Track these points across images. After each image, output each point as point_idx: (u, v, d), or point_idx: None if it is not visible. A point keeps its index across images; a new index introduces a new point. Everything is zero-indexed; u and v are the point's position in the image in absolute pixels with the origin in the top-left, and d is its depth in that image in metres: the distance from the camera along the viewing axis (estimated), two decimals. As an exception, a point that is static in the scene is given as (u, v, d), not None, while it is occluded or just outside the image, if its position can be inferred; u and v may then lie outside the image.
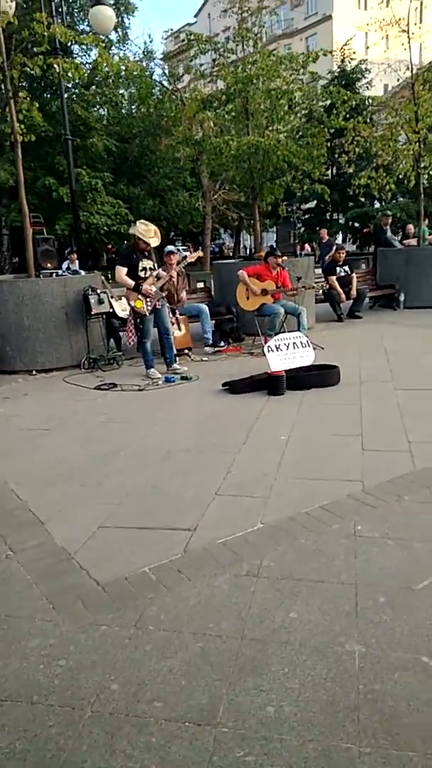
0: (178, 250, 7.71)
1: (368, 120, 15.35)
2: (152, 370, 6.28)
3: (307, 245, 26.70)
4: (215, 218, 17.22)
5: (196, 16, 43.08)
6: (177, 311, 7.38)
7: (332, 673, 1.92)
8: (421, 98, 9.59)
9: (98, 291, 6.87)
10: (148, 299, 6.10)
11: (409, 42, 9.70)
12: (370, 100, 18.06)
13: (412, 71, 9.90)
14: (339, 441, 4.07)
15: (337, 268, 9.65)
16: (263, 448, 4.01)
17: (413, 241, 11.42)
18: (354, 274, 9.73)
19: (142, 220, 6.27)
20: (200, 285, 11.67)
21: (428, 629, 2.10)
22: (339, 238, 23.72)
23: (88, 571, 2.59)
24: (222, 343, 7.74)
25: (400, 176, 10.15)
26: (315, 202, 20.31)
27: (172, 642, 2.12)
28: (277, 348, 5.95)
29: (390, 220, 12.24)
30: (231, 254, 28.02)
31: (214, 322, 8.25)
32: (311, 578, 2.44)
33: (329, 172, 19.54)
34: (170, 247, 7.19)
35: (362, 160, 14.12)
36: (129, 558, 2.68)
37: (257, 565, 2.55)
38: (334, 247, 9.98)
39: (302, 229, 24.42)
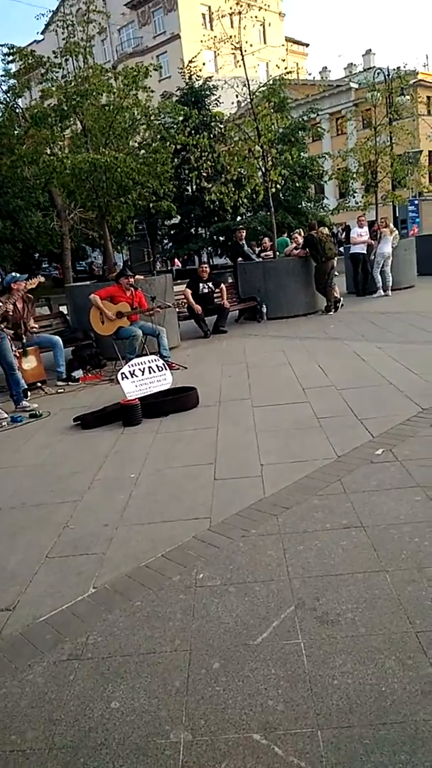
0: (40, 274, 7.11)
1: (217, 135, 15.65)
2: (-3, 410, 5.72)
3: (177, 260, 26.76)
4: (75, 237, 16.64)
5: (42, 33, 41.79)
6: (25, 342, 6.85)
7: (151, 778, 1.64)
8: (259, 114, 9.84)
9: None
10: (-16, 333, 5.55)
11: (243, 59, 9.93)
12: (217, 117, 18.50)
13: (249, 88, 10.14)
14: (190, 472, 3.85)
15: (200, 285, 9.49)
16: (109, 492, 3.69)
17: (270, 254, 11.67)
18: (224, 286, 9.71)
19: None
20: (63, 309, 11.01)
21: (263, 696, 1.89)
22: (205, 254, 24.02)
23: None
24: (79, 372, 7.29)
25: (250, 190, 10.31)
26: (179, 218, 20.42)
27: (-35, 770, 1.73)
28: (132, 374, 5.67)
29: (244, 234, 12.44)
30: (101, 273, 27.41)
31: (72, 348, 7.80)
32: (142, 650, 2.16)
33: (189, 187, 19.63)
34: (14, 275, 6.58)
35: (219, 175, 14.33)
36: None
37: (82, 644, 2.22)
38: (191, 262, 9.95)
39: (170, 245, 24.40)
